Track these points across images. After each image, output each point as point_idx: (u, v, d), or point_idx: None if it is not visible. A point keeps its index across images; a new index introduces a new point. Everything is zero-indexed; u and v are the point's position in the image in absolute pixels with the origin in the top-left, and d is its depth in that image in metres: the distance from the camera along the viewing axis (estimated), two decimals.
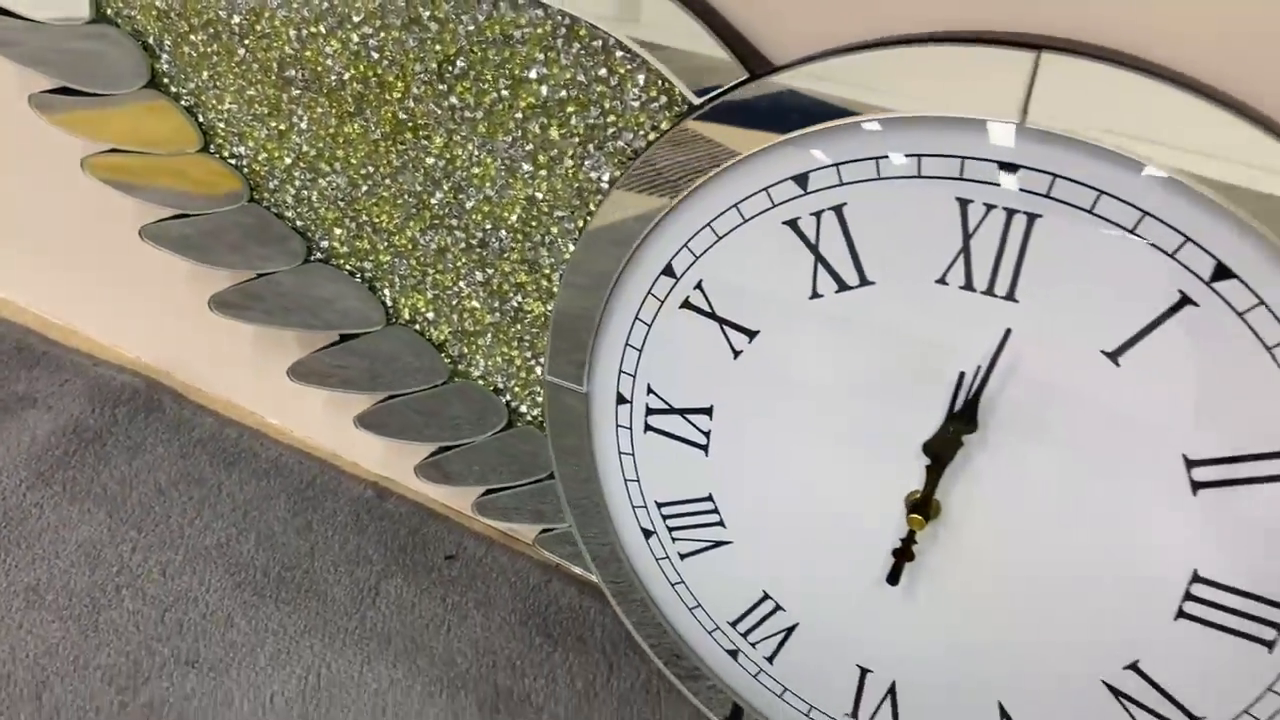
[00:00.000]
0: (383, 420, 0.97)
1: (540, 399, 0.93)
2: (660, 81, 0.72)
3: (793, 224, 0.68)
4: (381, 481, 1.14)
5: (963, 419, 0.66)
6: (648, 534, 0.87)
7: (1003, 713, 0.77)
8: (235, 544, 1.06)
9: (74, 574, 1.02)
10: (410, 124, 0.82)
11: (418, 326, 0.94)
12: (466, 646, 0.98)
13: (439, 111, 0.80)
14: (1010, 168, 0.60)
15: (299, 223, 0.93)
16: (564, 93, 0.76)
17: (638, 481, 0.86)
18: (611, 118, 0.75)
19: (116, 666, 0.94)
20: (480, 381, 0.94)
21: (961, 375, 0.65)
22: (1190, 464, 0.62)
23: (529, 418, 0.95)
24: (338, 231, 0.91)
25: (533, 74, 0.76)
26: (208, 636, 0.98)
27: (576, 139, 0.77)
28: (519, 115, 0.78)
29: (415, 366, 0.94)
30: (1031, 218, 0.60)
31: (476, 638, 0.99)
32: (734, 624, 0.87)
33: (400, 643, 0.98)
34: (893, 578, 0.74)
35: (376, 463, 1.13)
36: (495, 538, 1.09)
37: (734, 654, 0.89)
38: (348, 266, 0.93)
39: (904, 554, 0.73)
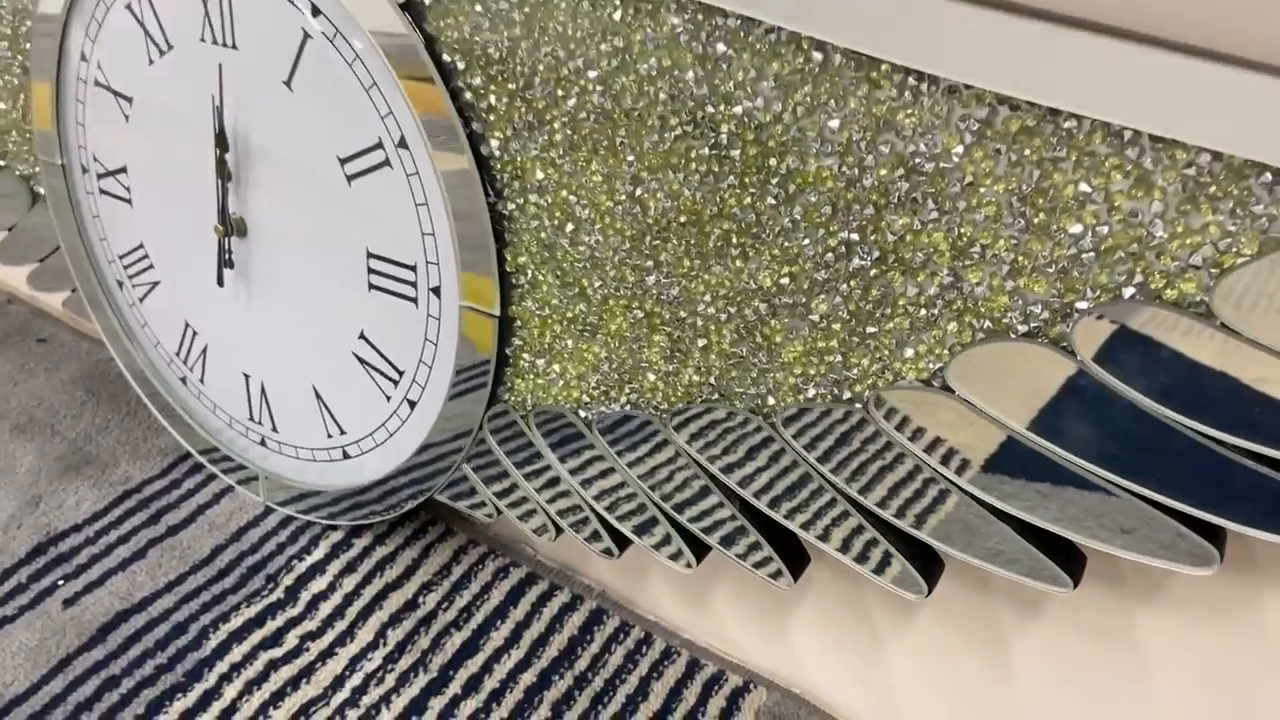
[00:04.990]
0: None
1: None
2: None
3: (128, 8, 0.95)
4: (13, 293, 1.41)
5: (220, 141, 0.92)
6: (120, 285, 1.14)
7: (316, 394, 1.02)
8: None
9: None
10: None
11: None
12: (25, 395, 1.25)
13: None
14: None
15: None
16: None
17: (106, 240, 1.12)
18: None
19: None
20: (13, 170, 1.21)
21: (216, 108, 0.92)
22: (342, 161, 0.87)
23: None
24: None
25: None
26: None
27: None
28: None
29: None
30: None
31: (36, 390, 1.26)
32: (178, 354, 1.13)
33: None
34: (219, 280, 1.00)
35: (12, 276, 1.41)
36: (86, 331, 1.35)
37: (184, 381, 1.14)
38: None
39: (221, 260, 0.99)
